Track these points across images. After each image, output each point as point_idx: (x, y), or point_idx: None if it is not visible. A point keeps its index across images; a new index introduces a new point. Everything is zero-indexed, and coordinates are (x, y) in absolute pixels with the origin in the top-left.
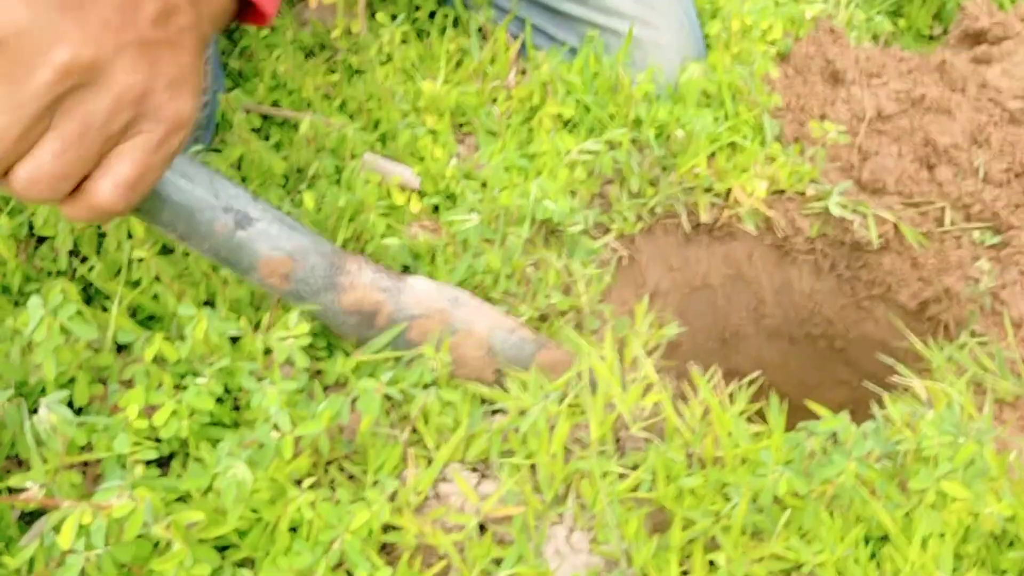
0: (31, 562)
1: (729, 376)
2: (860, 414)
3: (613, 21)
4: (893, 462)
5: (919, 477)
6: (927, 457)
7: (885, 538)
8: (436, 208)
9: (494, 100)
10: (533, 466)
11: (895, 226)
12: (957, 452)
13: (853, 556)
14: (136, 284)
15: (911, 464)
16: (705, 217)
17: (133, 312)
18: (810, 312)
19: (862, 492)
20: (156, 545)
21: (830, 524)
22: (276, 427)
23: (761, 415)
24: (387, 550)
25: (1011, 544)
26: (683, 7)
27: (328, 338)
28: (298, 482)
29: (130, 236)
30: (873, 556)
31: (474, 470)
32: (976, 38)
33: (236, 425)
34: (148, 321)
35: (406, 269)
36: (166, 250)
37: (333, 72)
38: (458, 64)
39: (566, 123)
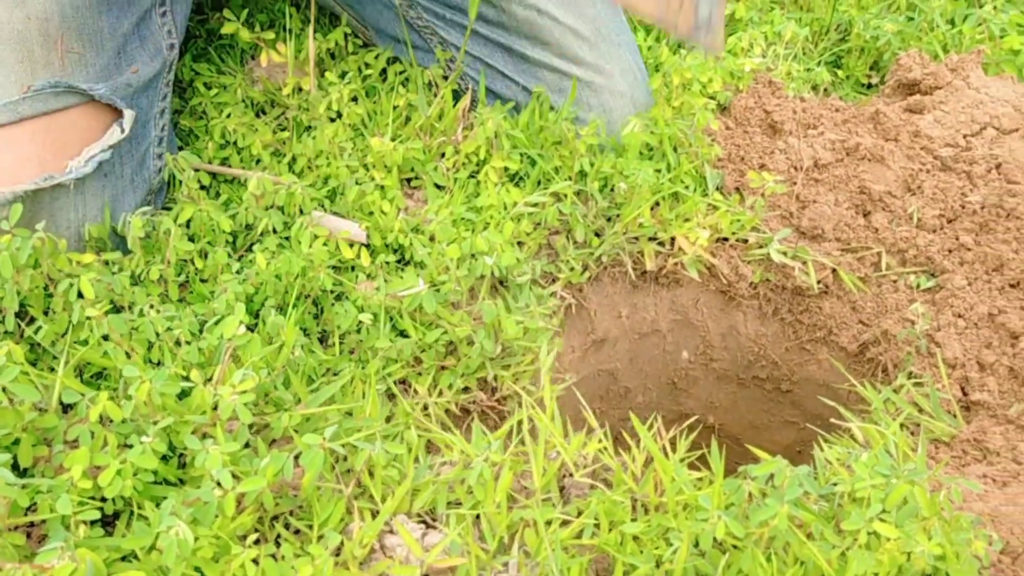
0: None
1: (680, 419)
2: (806, 455)
3: (571, 67)
4: (830, 504)
5: (852, 518)
6: (861, 498)
7: None
8: (387, 264)
9: (442, 155)
10: (479, 515)
11: (834, 271)
12: (890, 493)
13: None
14: (85, 343)
15: (847, 505)
16: (650, 265)
17: (80, 371)
18: (756, 355)
19: (797, 534)
20: None
21: (766, 567)
22: (219, 484)
23: (705, 460)
24: None
25: None
26: (635, 59)
27: (274, 394)
28: (243, 538)
29: (80, 296)
30: None
31: (421, 521)
32: (910, 88)
33: (182, 483)
34: (96, 379)
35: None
36: (116, 308)
37: (283, 129)
38: (407, 120)
39: (512, 176)
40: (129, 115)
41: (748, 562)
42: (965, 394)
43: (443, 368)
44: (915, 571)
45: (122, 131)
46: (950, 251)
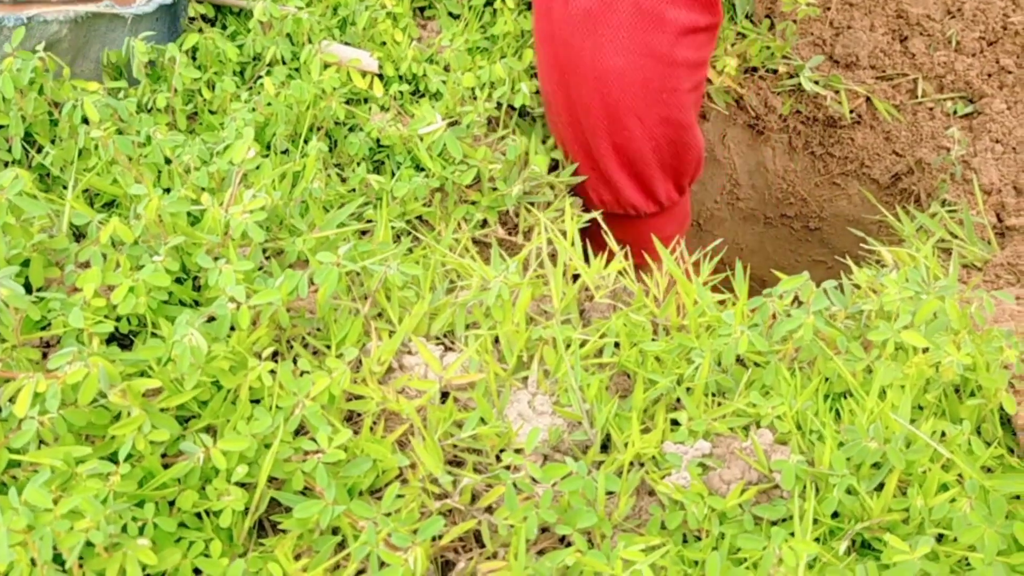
0: None
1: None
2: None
3: None
4: (857, 323)
5: (879, 330)
6: (889, 312)
7: (848, 394)
8: (401, 94)
9: None
10: (498, 337)
11: (868, 99)
12: (920, 308)
13: (812, 408)
14: (95, 171)
15: (874, 322)
16: None
17: (92, 201)
18: (784, 193)
19: (822, 348)
20: (118, 416)
21: (790, 380)
22: (232, 299)
23: (730, 286)
24: (351, 419)
25: (971, 394)
26: None
27: (287, 219)
28: (260, 355)
29: (85, 121)
30: (833, 408)
31: (440, 344)
32: None
33: (197, 304)
34: (107, 208)
35: (377, 165)
36: (122, 132)
37: None
38: None
39: (530, 5)
40: None
41: (771, 377)
42: (1000, 220)
43: (464, 202)
44: (944, 382)
45: None
46: (989, 75)
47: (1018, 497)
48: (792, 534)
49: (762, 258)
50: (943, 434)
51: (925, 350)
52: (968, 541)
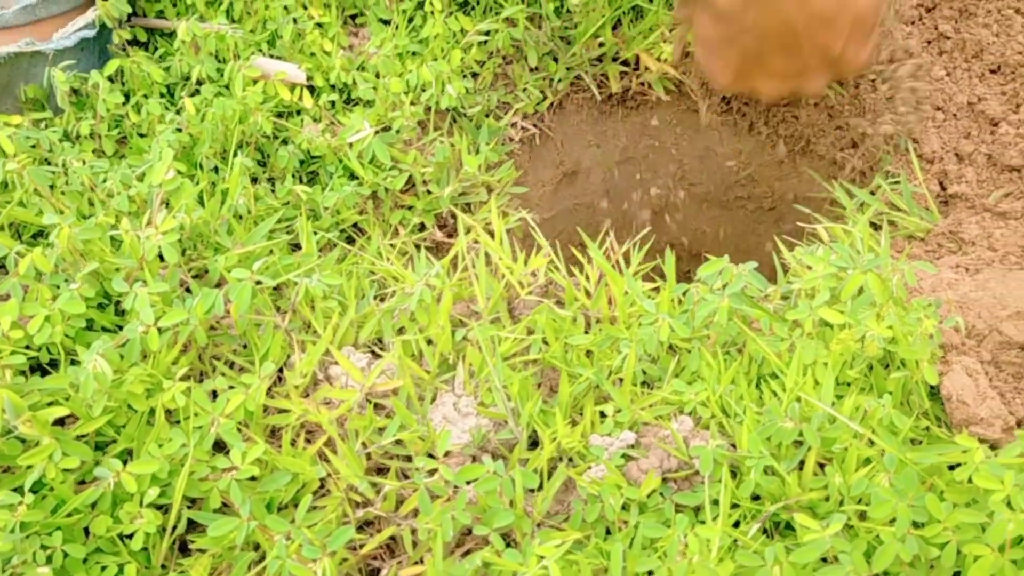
0: None
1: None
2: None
3: None
4: (788, 302)
5: (796, 309)
6: (811, 290)
7: (776, 375)
8: (333, 104)
9: None
10: (429, 341)
11: None
12: (846, 283)
13: (736, 392)
14: (19, 203)
15: (801, 300)
16: (616, 87)
17: (19, 232)
18: (736, 175)
19: (744, 330)
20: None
21: (713, 365)
22: (142, 322)
23: (688, 278)
24: (274, 433)
25: (898, 367)
26: None
27: (212, 237)
28: (176, 377)
29: (4, 154)
30: (760, 390)
31: (369, 351)
32: None
33: (121, 329)
34: (36, 239)
35: (311, 176)
36: (49, 162)
37: None
38: None
39: (462, 4)
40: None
41: (696, 362)
42: (944, 188)
43: (400, 207)
44: (867, 357)
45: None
46: (928, 42)
47: (953, 467)
48: (714, 518)
49: (722, 241)
50: (867, 411)
51: (844, 326)
52: (880, 516)
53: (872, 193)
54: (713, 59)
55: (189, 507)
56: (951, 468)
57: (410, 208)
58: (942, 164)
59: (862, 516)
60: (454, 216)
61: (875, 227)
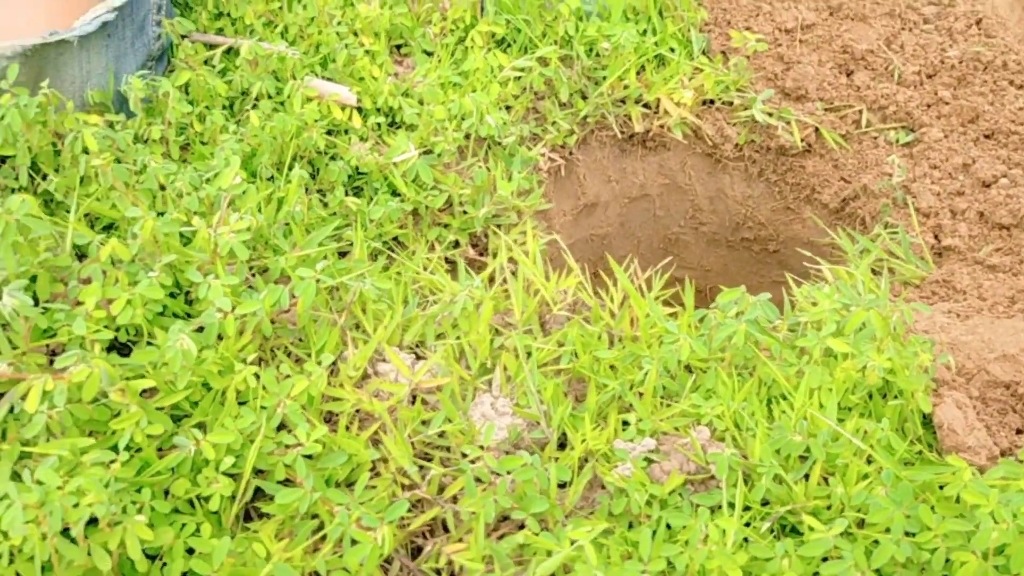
0: (3, 431)
1: (672, 284)
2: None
3: None
4: (795, 333)
5: (807, 336)
6: (819, 322)
7: (784, 396)
8: (379, 126)
9: (429, 21)
10: (465, 346)
11: (816, 130)
12: (850, 319)
13: (748, 409)
14: (96, 197)
15: (808, 331)
16: (638, 127)
17: (92, 224)
18: (744, 217)
19: (757, 353)
20: (118, 413)
21: (728, 383)
22: (219, 309)
23: (681, 301)
24: (329, 419)
25: (896, 396)
26: None
27: (271, 239)
28: (245, 360)
29: (86, 151)
30: (769, 408)
31: (412, 353)
32: None
33: (189, 316)
34: (106, 231)
35: (356, 191)
36: (120, 161)
37: None
38: None
39: (500, 42)
40: None
41: (712, 380)
42: (938, 240)
43: (437, 224)
44: (868, 385)
45: None
46: (928, 106)
47: (942, 487)
48: (725, 517)
49: (727, 279)
50: (867, 432)
51: (848, 356)
52: (878, 522)
53: (872, 241)
54: None
55: (255, 478)
56: (941, 488)
57: (446, 226)
58: (937, 218)
59: (860, 524)
60: (486, 235)
61: (874, 272)
